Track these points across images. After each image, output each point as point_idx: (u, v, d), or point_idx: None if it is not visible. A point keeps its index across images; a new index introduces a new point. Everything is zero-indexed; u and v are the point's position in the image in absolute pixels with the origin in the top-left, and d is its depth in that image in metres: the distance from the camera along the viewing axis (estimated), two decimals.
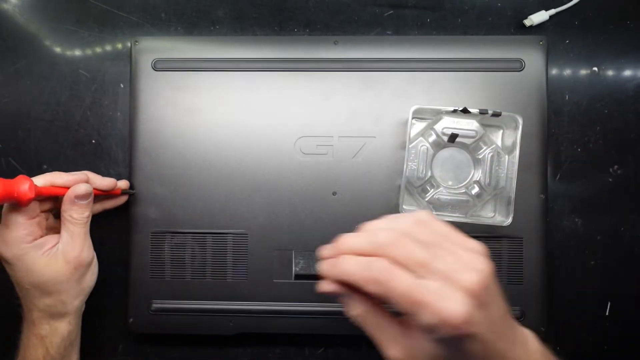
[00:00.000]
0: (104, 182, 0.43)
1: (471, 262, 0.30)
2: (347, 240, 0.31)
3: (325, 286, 0.32)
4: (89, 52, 0.50)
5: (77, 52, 0.50)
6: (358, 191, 0.45)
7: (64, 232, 0.41)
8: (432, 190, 0.45)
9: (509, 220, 0.42)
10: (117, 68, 0.50)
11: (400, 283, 0.29)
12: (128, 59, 0.48)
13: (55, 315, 0.41)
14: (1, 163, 0.49)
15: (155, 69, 0.46)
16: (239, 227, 0.46)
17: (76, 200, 0.40)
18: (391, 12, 0.50)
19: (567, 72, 0.49)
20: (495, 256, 0.45)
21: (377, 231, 0.31)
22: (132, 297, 0.46)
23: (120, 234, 0.48)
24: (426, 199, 0.45)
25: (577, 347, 0.48)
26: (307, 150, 0.46)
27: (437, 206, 0.45)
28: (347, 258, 0.31)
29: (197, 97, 0.46)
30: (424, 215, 0.32)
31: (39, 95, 0.50)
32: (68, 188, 0.41)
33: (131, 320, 0.46)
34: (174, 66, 0.46)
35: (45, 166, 0.49)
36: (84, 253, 0.41)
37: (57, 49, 0.50)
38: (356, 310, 0.32)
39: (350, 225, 0.45)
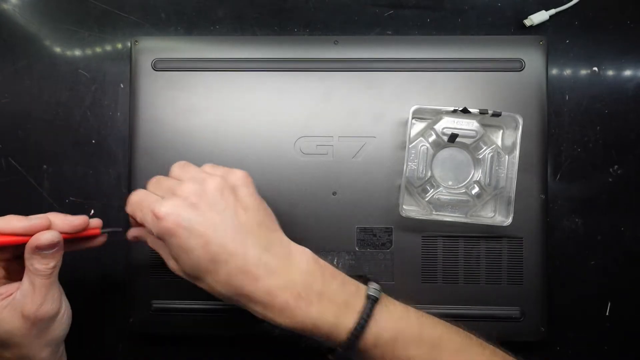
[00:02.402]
0: (72, 223, 0.37)
1: (198, 180, 0.36)
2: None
3: (130, 232, 0.40)
4: (89, 52, 0.50)
5: (77, 52, 0.50)
6: (358, 191, 0.45)
7: (25, 281, 0.35)
8: (432, 190, 0.45)
9: (509, 221, 0.42)
10: (117, 68, 0.50)
11: (135, 197, 0.37)
12: (128, 59, 0.48)
13: None
14: (1, 163, 0.49)
15: (155, 69, 0.46)
16: None
17: (38, 251, 0.34)
18: (391, 12, 0.50)
19: (567, 72, 0.49)
20: (495, 256, 0.45)
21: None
22: (132, 297, 0.46)
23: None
24: (426, 199, 0.45)
25: (577, 347, 0.48)
26: (307, 150, 0.46)
27: (437, 206, 0.45)
28: (132, 194, 0.37)
29: (197, 97, 0.46)
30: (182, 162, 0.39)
31: (39, 95, 0.50)
32: (29, 236, 0.34)
33: (131, 320, 0.46)
34: (174, 66, 0.46)
35: (45, 166, 0.49)
36: (45, 307, 0.35)
37: (57, 49, 0.50)
38: (132, 233, 0.40)
39: (351, 225, 0.45)
